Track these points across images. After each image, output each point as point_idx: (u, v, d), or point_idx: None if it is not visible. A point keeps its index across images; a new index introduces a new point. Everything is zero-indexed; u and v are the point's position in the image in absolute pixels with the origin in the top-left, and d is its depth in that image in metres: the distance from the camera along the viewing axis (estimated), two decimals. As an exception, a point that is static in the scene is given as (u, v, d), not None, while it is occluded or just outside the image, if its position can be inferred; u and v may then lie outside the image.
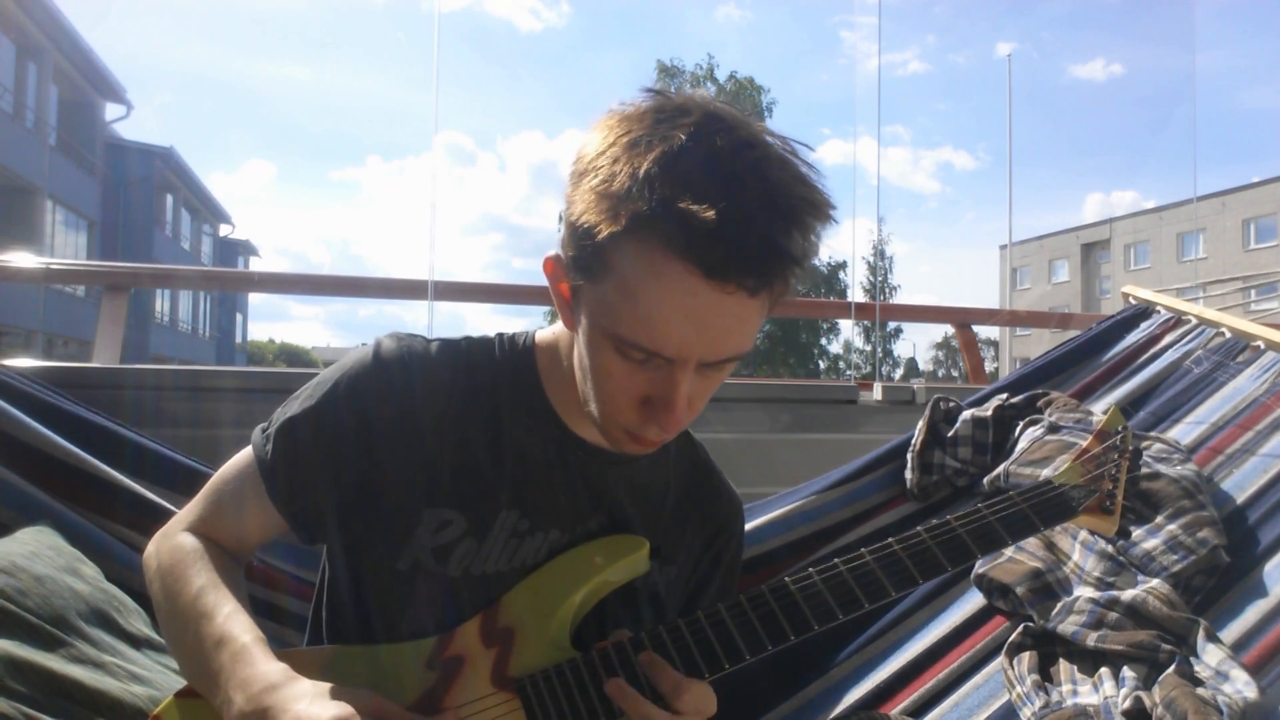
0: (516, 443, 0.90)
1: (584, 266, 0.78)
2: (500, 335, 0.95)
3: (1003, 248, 29.28)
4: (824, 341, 24.22)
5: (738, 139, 0.75)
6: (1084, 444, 1.08)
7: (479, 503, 0.89)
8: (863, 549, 0.92)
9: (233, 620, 0.82)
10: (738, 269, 0.73)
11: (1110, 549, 1.47)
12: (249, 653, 0.79)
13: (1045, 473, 1.54)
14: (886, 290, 24.66)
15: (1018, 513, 0.98)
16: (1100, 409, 1.83)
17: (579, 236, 0.77)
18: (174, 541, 0.91)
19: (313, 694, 0.75)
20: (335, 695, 0.76)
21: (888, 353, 26.33)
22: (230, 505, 0.92)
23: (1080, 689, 1.29)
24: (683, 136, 0.74)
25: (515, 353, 0.94)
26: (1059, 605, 1.40)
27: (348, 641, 0.90)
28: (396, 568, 0.87)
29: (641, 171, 0.73)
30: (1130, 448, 1.08)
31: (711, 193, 0.72)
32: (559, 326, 0.93)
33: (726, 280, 0.73)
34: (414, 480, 0.87)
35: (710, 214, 0.71)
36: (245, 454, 0.92)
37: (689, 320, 0.75)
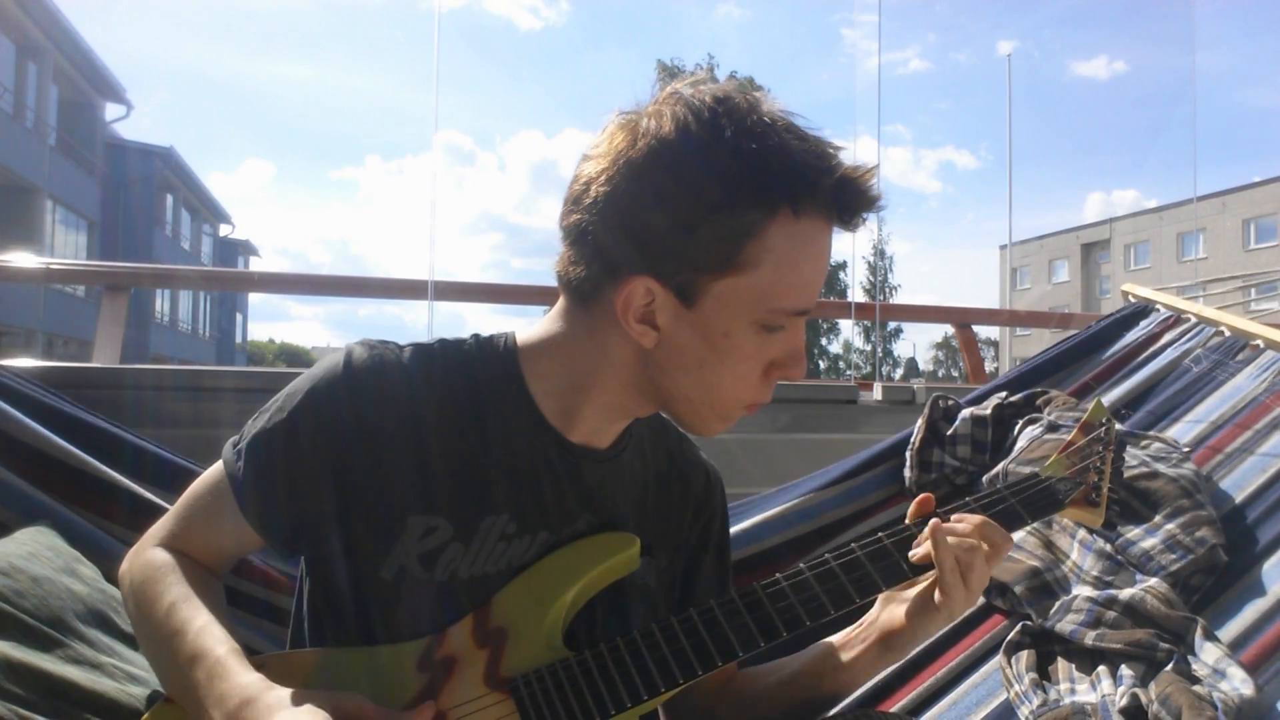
0: (503, 445, 0.89)
1: (717, 267, 0.80)
2: (476, 337, 0.93)
3: (1003, 248, 29.28)
4: (824, 341, 24.24)
5: (772, 108, 0.83)
6: (1069, 437, 1.09)
7: (465, 507, 0.87)
8: (853, 543, 0.92)
9: (206, 634, 0.81)
10: (863, 208, 0.84)
11: (1109, 548, 1.47)
12: (224, 666, 0.78)
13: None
14: (886, 290, 24.66)
15: (1005, 507, 0.99)
16: (1099, 408, 1.83)
17: (709, 242, 0.80)
18: (145, 557, 0.89)
19: (290, 702, 0.74)
20: (315, 700, 0.75)
21: (888, 353, 26.40)
22: (203, 521, 0.91)
23: (1078, 687, 1.30)
24: (759, 118, 0.80)
25: (497, 355, 0.91)
26: (1057, 604, 1.40)
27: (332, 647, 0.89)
28: (380, 576, 0.85)
29: (757, 158, 0.79)
30: (1114, 440, 1.08)
31: (816, 153, 0.81)
32: (544, 328, 0.92)
33: (852, 224, 0.84)
34: (396, 489, 0.85)
35: (839, 170, 0.81)
36: (217, 469, 0.91)
37: (824, 267, 0.85)
